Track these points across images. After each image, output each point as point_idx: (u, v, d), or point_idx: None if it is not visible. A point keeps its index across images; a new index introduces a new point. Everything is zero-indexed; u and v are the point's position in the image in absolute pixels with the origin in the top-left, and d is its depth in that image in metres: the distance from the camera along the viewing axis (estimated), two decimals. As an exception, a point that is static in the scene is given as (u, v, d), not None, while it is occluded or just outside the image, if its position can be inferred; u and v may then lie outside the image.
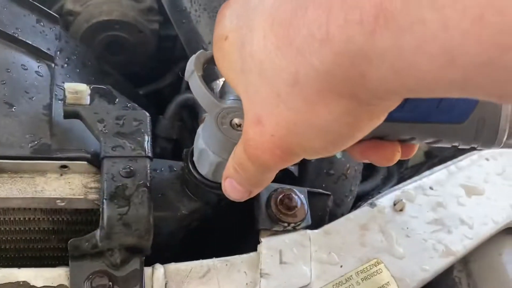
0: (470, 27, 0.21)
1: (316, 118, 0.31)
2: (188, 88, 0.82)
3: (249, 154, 0.36)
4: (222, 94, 0.47)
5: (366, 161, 0.44)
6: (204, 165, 0.51)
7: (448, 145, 0.42)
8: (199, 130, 0.51)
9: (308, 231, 0.58)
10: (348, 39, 0.26)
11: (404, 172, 0.92)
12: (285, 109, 0.31)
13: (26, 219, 0.55)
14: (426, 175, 0.70)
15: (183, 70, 0.48)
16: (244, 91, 0.35)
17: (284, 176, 0.68)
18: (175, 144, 0.76)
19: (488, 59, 0.22)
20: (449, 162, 0.73)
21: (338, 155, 0.69)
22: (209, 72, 0.51)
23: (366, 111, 0.31)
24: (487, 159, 0.73)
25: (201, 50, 0.45)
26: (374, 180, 0.83)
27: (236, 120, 0.45)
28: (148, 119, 0.57)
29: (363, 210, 0.62)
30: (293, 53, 0.29)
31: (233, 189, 0.42)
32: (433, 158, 0.94)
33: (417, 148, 0.46)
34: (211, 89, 0.46)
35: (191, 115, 0.79)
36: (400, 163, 0.93)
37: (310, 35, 0.28)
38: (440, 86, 0.25)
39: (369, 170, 0.86)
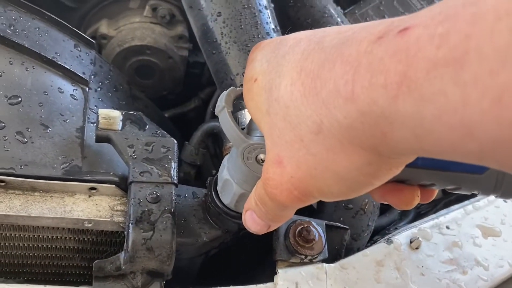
0: (489, 107, 0.22)
1: (337, 166, 0.32)
2: (213, 116, 0.85)
3: (267, 192, 0.38)
4: (249, 130, 0.49)
5: (386, 202, 0.45)
6: (227, 195, 0.53)
7: (468, 193, 0.44)
8: (225, 161, 0.53)
9: (325, 264, 0.59)
10: (372, 101, 0.27)
11: (420, 207, 0.92)
12: (307, 154, 0.33)
13: (54, 237, 0.57)
14: (443, 214, 0.70)
15: (213, 104, 0.50)
16: (268, 132, 0.37)
17: (303, 208, 0.69)
18: (198, 169, 0.78)
19: (505, 137, 0.23)
20: (466, 202, 0.73)
21: (357, 190, 0.70)
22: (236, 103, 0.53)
23: (386, 163, 0.32)
24: (505, 201, 0.73)
25: (232, 87, 0.47)
26: (391, 214, 0.84)
27: (261, 156, 0.47)
28: (176, 146, 0.59)
29: (380, 246, 0.63)
30: (318, 104, 0.31)
31: (253, 221, 0.43)
32: (450, 195, 0.95)
33: (436, 193, 0.47)
34: (237, 122, 0.48)
35: (215, 142, 0.81)
36: (418, 198, 0.93)
37: (336, 90, 0.29)
38: (457, 154, 0.26)
39: (386, 204, 0.87)
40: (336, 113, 0.30)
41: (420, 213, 0.89)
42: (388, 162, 0.32)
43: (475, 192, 0.43)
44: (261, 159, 0.47)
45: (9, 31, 0.62)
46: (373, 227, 0.71)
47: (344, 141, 0.31)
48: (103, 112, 0.57)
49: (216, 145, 0.82)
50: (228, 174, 0.51)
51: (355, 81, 0.28)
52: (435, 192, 0.47)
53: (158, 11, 0.90)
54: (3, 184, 0.54)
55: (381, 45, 0.27)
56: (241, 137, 0.46)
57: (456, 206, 0.73)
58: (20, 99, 0.58)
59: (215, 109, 0.48)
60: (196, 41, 0.82)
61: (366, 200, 0.70)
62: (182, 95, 0.98)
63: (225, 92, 0.48)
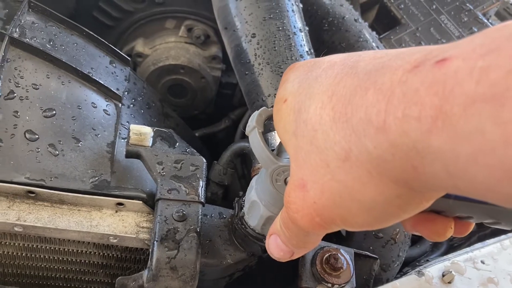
0: None
1: (363, 196, 0.31)
2: (243, 137, 0.84)
3: (289, 216, 0.36)
4: (279, 152, 0.48)
5: (417, 233, 0.43)
6: (254, 217, 0.52)
7: (508, 228, 0.41)
8: (253, 182, 0.52)
9: (352, 294, 0.57)
10: (404, 133, 0.26)
11: (453, 240, 0.89)
12: (333, 181, 0.31)
13: (79, 251, 0.57)
14: (478, 247, 0.67)
15: (244, 124, 0.49)
16: (293, 154, 0.35)
17: (331, 235, 0.67)
18: (226, 190, 0.77)
19: None
20: (503, 236, 0.70)
21: (388, 218, 0.68)
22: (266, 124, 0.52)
23: (416, 197, 0.30)
24: (545, 237, 0.70)
25: (264, 108, 0.47)
26: (423, 246, 0.81)
27: None
28: (205, 165, 0.58)
29: (410, 279, 0.61)
30: (348, 131, 0.29)
31: (277, 246, 0.41)
32: (485, 228, 0.91)
33: (472, 227, 0.45)
34: (267, 143, 0.47)
35: (243, 163, 0.80)
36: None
37: (367, 119, 0.28)
38: (494, 196, 0.25)
39: (418, 236, 0.84)
40: (366, 142, 0.28)
41: (453, 246, 0.86)
42: (419, 195, 0.31)
43: (516, 227, 0.41)
44: None
45: (48, 46, 0.63)
46: (403, 258, 0.68)
47: (373, 171, 0.29)
48: (135, 128, 0.57)
49: (244, 167, 0.81)
50: (255, 196, 0.50)
51: (387, 111, 0.27)
52: (471, 226, 0.44)
53: (193, 31, 0.91)
54: (33, 195, 0.54)
55: (417, 75, 0.26)
56: (270, 158, 0.45)
57: (492, 240, 0.70)
58: (54, 112, 0.59)
59: (246, 129, 0.48)
60: (229, 62, 0.82)
61: (397, 229, 0.67)
62: (213, 115, 0.98)
63: (256, 112, 0.47)
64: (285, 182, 0.46)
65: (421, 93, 0.25)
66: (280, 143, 0.50)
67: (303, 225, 0.35)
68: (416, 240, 0.83)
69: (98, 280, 0.61)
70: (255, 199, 0.50)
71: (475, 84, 0.23)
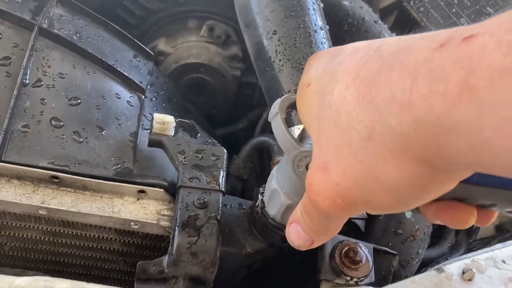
0: None
1: (386, 176, 0.31)
2: (262, 132, 0.85)
3: (310, 199, 0.36)
4: (301, 138, 0.49)
5: (438, 222, 0.42)
6: (274, 206, 0.52)
7: None
8: (274, 171, 0.52)
9: (371, 288, 0.57)
10: (428, 108, 0.26)
11: (472, 243, 0.88)
12: (355, 161, 0.31)
13: (100, 237, 0.57)
14: (499, 247, 0.67)
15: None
16: (316, 137, 0.35)
17: (349, 230, 0.67)
18: (244, 185, 0.77)
19: None
20: (525, 237, 0.70)
21: (408, 215, 0.67)
22: (287, 118, 0.52)
23: (439, 177, 0.30)
24: None
25: (287, 95, 0.47)
26: (441, 247, 0.80)
27: None
28: (225, 155, 0.59)
29: (430, 274, 0.60)
30: (371, 110, 0.30)
31: (297, 235, 0.41)
32: (504, 233, 0.90)
33: (495, 216, 0.44)
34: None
35: (261, 158, 0.81)
36: (469, 233, 0.89)
37: (392, 97, 0.28)
38: None
39: (436, 237, 0.83)
40: (390, 120, 0.28)
41: (472, 249, 0.85)
42: (442, 176, 0.30)
43: (540, 214, 0.41)
44: None
45: (75, 37, 0.65)
46: (422, 256, 0.68)
47: (396, 150, 0.29)
48: (158, 116, 0.58)
49: (262, 164, 0.82)
50: (276, 184, 0.50)
51: (413, 89, 0.27)
52: (495, 215, 0.44)
53: (214, 31, 0.93)
54: (57, 180, 0.55)
55: (443, 52, 0.26)
56: (292, 143, 0.45)
57: (512, 241, 0.69)
58: (79, 101, 0.60)
59: (269, 115, 0.48)
60: (249, 62, 0.83)
61: (417, 226, 0.67)
62: (232, 115, 0.99)
63: (279, 99, 0.47)
64: (307, 168, 0.46)
65: (446, 69, 0.25)
66: (303, 129, 0.50)
67: (325, 208, 0.35)
68: (434, 242, 0.83)
69: (117, 268, 0.61)
70: (275, 187, 0.50)
71: (503, 56, 0.23)
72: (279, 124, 0.46)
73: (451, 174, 0.31)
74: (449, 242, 0.82)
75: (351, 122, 0.31)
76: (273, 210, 0.53)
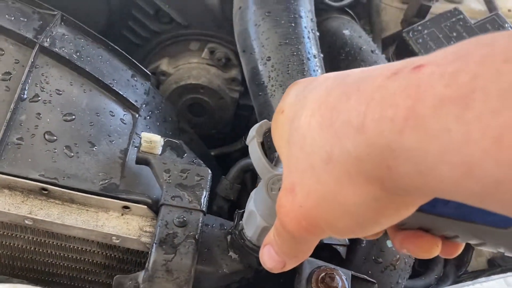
0: (490, 146, 0.22)
1: (343, 198, 0.32)
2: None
3: (280, 221, 0.37)
4: (277, 162, 0.50)
5: (405, 251, 0.43)
6: (251, 228, 0.53)
7: (494, 250, 0.41)
8: (252, 193, 0.54)
9: (345, 315, 0.57)
10: (380, 133, 0.28)
11: (462, 276, 0.87)
12: (317, 183, 0.33)
13: (83, 249, 0.59)
14: (481, 281, 0.67)
15: (245, 136, 0.51)
16: (286, 161, 0.37)
17: (331, 257, 0.68)
18: (232, 204, 0.79)
19: (505, 178, 0.22)
20: (509, 273, 0.69)
21: (389, 244, 0.68)
22: (271, 145, 0.54)
23: (393, 200, 0.31)
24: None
25: (265, 120, 0.49)
26: (428, 278, 0.81)
27: None
28: (210, 176, 0.61)
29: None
30: (331, 134, 0.31)
31: (270, 257, 0.42)
32: (495, 267, 0.90)
33: (462, 248, 0.45)
34: (271, 159, 0.49)
35: (254, 180, 0.82)
36: (459, 266, 0.89)
37: (348, 121, 0.30)
38: (459, 194, 0.26)
39: (423, 267, 0.84)
40: (347, 143, 0.30)
41: (459, 282, 0.85)
42: (396, 199, 0.31)
43: (501, 250, 0.41)
44: None
45: (75, 56, 0.68)
46: (402, 286, 0.68)
47: (353, 172, 0.31)
48: (146, 135, 0.60)
49: (254, 186, 0.83)
50: (253, 206, 0.52)
51: (366, 113, 0.29)
52: (460, 247, 0.44)
53: (215, 54, 0.95)
54: (46, 192, 0.57)
55: (395, 80, 0.28)
56: (266, 166, 0.47)
57: (497, 276, 0.69)
58: (74, 116, 0.63)
59: (247, 139, 0.50)
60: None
61: (398, 256, 0.67)
62: (230, 135, 1.01)
63: (257, 124, 0.49)
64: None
65: (396, 96, 0.27)
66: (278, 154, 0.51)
67: (292, 229, 0.36)
68: (421, 272, 0.83)
69: (100, 280, 0.63)
70: (252, 209, 0.52)
71: (444, 87, 0.25)
72: (255, 147, 0.47)
73: (404, 198, 0.32)
74: (436, 273, 0.82)
75: (314, 146, 0.33)
76: (250, 231, 0.54)
